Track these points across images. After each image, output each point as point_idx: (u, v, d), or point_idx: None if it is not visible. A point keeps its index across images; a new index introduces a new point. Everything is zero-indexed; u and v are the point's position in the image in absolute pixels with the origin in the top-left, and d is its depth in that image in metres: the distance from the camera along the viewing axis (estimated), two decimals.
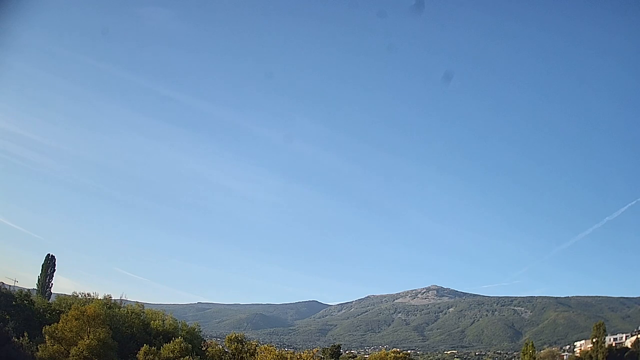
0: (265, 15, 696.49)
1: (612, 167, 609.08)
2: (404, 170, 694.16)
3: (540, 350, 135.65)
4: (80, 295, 72.85)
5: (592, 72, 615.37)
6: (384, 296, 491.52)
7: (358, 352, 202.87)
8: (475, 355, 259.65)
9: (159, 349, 57.48)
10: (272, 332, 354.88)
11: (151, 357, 55.30)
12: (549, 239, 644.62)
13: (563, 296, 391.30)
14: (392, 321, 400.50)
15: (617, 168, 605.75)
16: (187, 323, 77.01)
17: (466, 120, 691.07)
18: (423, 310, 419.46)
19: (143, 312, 72.78)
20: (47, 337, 52.93)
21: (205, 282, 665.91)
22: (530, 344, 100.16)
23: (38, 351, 51.46)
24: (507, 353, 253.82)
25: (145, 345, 57.26)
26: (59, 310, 65.86)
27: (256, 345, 68.83)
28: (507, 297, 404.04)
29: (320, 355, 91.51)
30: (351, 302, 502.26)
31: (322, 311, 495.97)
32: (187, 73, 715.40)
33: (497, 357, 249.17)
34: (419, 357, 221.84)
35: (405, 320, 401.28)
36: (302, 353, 63.39)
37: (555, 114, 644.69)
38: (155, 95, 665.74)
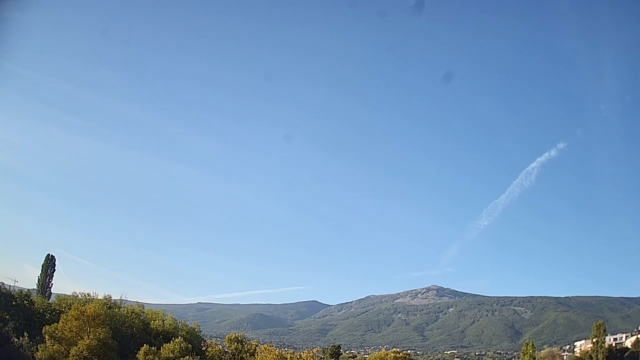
0: (264, 14, 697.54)
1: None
2: (403, 170, 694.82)
3: (540, 350, 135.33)
4: (80, 295, 72.67)
5: (592, 69, 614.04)
6: (384, 296, 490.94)
7: (358, 352, 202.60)
8: (475, 355, 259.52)
9: (159, 349, 57.46)
10: (272, 332, 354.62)
11: (151, 357, 55.27)
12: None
13: (563, 296, 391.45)
14: (392, 321, 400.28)
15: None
16: (187, 323, 77.04)
17: (466, 119, 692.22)
18: (423, 310, 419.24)
19: (143, 312, 72.65)
20: (47, 337, 52.96)
21: (205, 282, 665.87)
22: (530, 344, 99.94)
23: (38, 351, 51.49)
24: (507, 353, 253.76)
25: (145, 345, 57.27)
26: (59, 310, 65.85)
27: (256, 345, 68.72)
28: (507, 297, 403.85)
29: (320, 355, 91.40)
30: (351, 302, 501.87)
31: (322, 311, 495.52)
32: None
33: (497, 357, 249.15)
34: (419, 357, 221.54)
35: (405, 320, 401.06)
36: (302, 353, 63.22)
37: (553, 110, 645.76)
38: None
